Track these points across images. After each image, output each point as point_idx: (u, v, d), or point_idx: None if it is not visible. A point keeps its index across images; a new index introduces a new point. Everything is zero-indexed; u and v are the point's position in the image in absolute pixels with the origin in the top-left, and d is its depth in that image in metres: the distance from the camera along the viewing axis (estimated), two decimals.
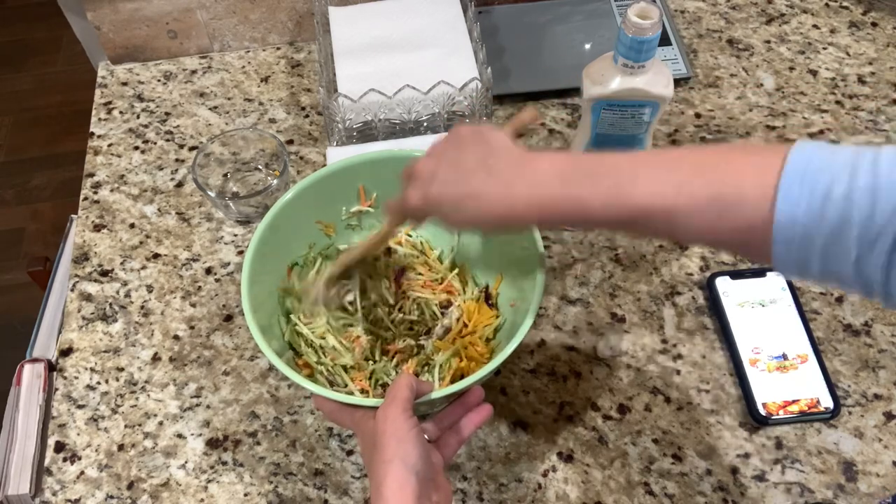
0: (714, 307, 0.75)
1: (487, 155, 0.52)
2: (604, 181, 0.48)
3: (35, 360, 0.78)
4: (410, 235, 0.74)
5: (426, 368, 0.67)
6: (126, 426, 0.72)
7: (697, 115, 0.90)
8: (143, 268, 0.82)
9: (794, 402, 0.69)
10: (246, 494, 0.67)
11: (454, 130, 0.56)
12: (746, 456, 0.67)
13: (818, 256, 0.42)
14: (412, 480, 0.49)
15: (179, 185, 0.88)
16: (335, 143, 0.88)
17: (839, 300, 0.76)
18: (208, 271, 0.81)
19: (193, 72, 0.99)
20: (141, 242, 0.84)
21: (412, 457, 0.50)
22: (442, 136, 0.57)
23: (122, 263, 0.82)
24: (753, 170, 0.44)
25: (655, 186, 0.47)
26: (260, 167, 0.87)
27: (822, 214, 0.41)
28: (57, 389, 0.74)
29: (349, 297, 0.68)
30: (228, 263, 0.82)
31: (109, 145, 0.92)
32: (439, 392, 0.56)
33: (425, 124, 0.87)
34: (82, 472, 0.69)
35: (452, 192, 0.53)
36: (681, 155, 0.49)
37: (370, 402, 0.56)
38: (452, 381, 0.62)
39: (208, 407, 0.72)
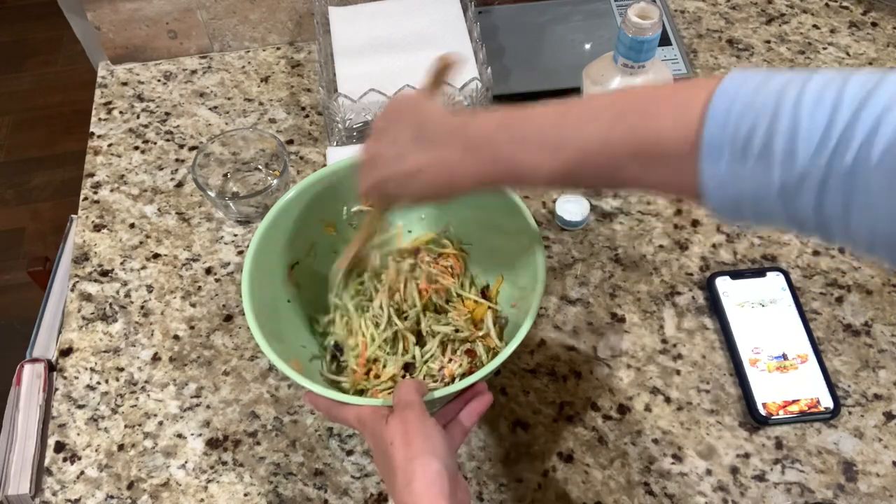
0: (714, 307, 0.75)
1: (420, 127, 0.53)
2: (532, 141, 0.48)
3: (35, 360, 0.78)
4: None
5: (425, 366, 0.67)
6: (126, 426, 0.72)
7: None
8: (143, 268, 0.82)
9: (794, 402, 0.69)
10: (246, 494, 0.67)
11: (388, 104, 0.57)
12: (746, 456, 0.67)
13: (748, 201, 0.41)
14: (444, 475, 0.48)
15: (179, 185, 0.88)
16: (335, 143, 0.88)
17: (839, 300, 0.76)
18: (208, 271, 0.81)
19: (193, 72, 0.99)
20: (141, 242, 0.84)
21: (441, 451, 0.49)
22: (379, 114, 0.57)
23: (122, 263, 0.82)
24: (675, 115, 0.43)
25: (578, 146, 0.46)
26: (260, 167, 0.87)
27: (745, 159, 0.40)
28: (57, 389, 0.74)
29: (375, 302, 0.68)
30: (228, 263, 0.82)
31: (109, 145, 0.92)
32: (441, 391, 0.56)
33: None
34: (82, 472, 0.69)
35: (395, 172, 0.53)
36: (609, 101, 0.48)
37: (367, 401, 0.56)
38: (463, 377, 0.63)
39: (208, 407, 0.72)
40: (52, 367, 0.78)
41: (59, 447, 0.71)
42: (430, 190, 0.53)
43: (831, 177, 0.38)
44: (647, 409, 0.70)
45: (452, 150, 0.51)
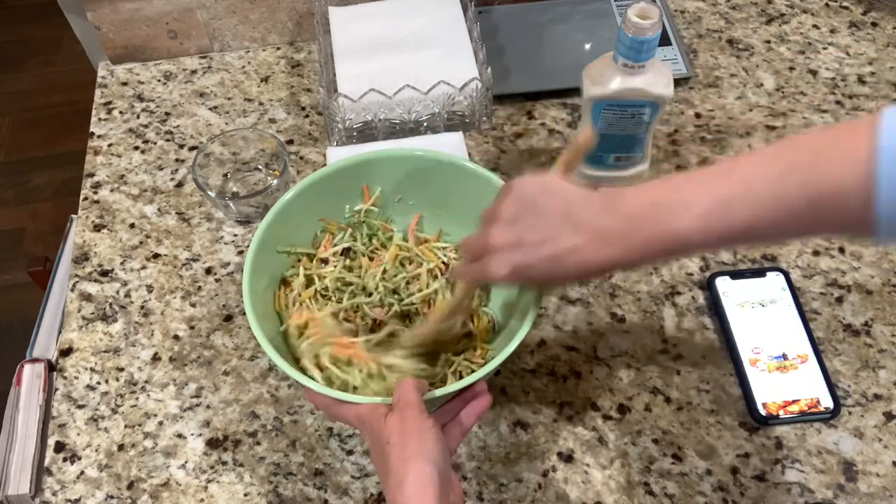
0: (714, 307, 0.75)
1: (567, 208, 0.51)
2: (696, 211, 0.47)
3: (35, 360, 0.78)
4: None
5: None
6: (126, 426, 0.72)
7: (697, 115, 0.90)
8: (143, 268, 0.82)
9: (794, 402, 0.69)
10: (246, 494, 0.67)
11: (514, 191, 0.54)
12: (746, 456, 0.67)
13: None
14: (435, 478, 0.48)
15: (179, 185, 0.88)
16: (335, 143, 0.88)
17: (839, 300, 0.76)
18: (208, 271, 0.81)
19: (193, 72, 0.99)
20: (141, 242, 0.84)
21: (435, 453, 0.49)
22: (501, 201, 0.54)
23: (122, 263, 0.82)
24: (844, 155, 0.42)
25: (752, 202, 0.45)
26: (260, 167, 0.87)
27: None
28: (57, 389, 0.74)
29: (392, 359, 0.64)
30: (228, 263, 0.82)
31: (109, 145, 0.92)
32: (442, 390, 0.56)
33: (425, 124, 0.87)
34: (82, 472, 0.69)
35: (543, 257, 0.51)
36: (772, 156, 0.47)
37: (366, 399, 0.56)
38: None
39: (208, 407, 0.72)
40: (52, 367, 0.78)
41: (59, 447, 0.71)
42: (588, 271, 0.51)
43: None
44: (647, 409, 0.70)
45: (611, 229, 0.50)
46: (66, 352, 0.76)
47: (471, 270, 0.58)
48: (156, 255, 0.83)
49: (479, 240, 0.56)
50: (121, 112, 0.96)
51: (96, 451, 0.70)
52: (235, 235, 0.84)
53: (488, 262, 0.54)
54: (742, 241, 0.48)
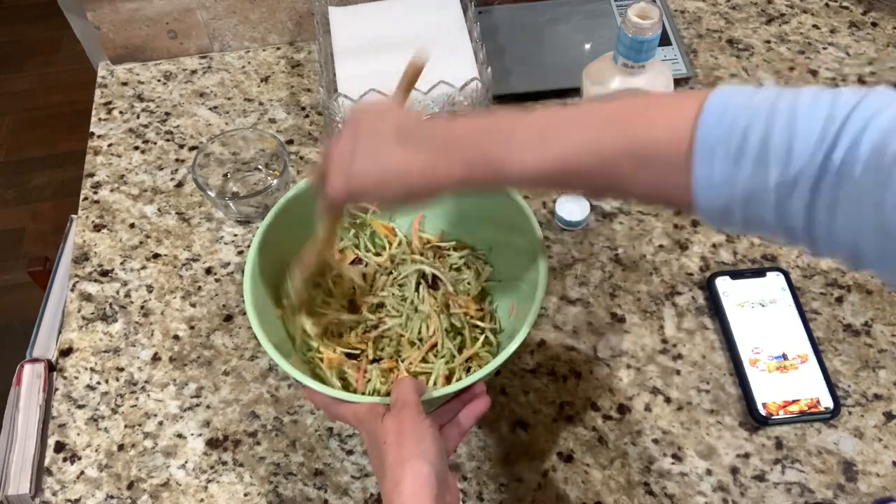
0: (714, 307, 0.75)
1: (400, 128, 0.53)
2: (519, 140, 0.49)
3: (35, 360, 0.78)
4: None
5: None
6: (126, 426, 0.72)
7: None
8: (143, 268, 0.82)
9: (794, 402, 0.69)
10: (246, 494, 0.67)
11: (355, 108, 0.56)
12: (746, 456, 0.67)
13: (739, 203, 0.42)
14: (432, 479, 0.48)
15: (179, 185, 0.88)
16: None
17: (839, 300, 0.76)
18: (208, 271, 0.81)
19: (193, 72, 0.99)
20: (141, 242, 0.84)
21: (431, 454, 0.50)
22: (343, 127, 0.56)
23: (122, 263, 0.82)
24: (668, 118, 0.43)
25: (567, 145, 0.47)
26: (260, 167, 0.87)
27: (739, 160, 0.40)
28: (57, 389, 0.74)
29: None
30: (228, 263, 0.82)
31: (109, 145, 0.92)
32: (440, 391, 0.56)
33: None
34: (82, 472, 0.69)
35: (375, 170, 0.52)
36: (599, 106, 0.49)
37: (365, 398, 0.56)
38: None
39: (208, 407, 0.72)
40: (52, 367, 0.78)
41: (59, 447, 0.71)
42: (412, 188, 0.52)
43: (825, 175, 0.38)
44: (647, 409, 0.70)
45: (438, 149, 0.51)
46: (66, 352, 0.76)
47: (321, 199, 0.58)
48: (156, 255, 0.83)
49: (323, 162, 0.57)
50: (121, 112, 0.96)
51: (96, 451, 0.70)
52: (235, 235, 0.84)
53: (328, 181, 0.55)
54: (561, 180, 0.49)
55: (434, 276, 0.70)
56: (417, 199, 0.54)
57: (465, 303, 0.69)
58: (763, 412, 0.68)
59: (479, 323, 0.69)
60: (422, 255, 0.72)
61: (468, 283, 0.71)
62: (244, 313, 0.77)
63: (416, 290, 0.70)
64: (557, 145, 0.47)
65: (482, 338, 0.68)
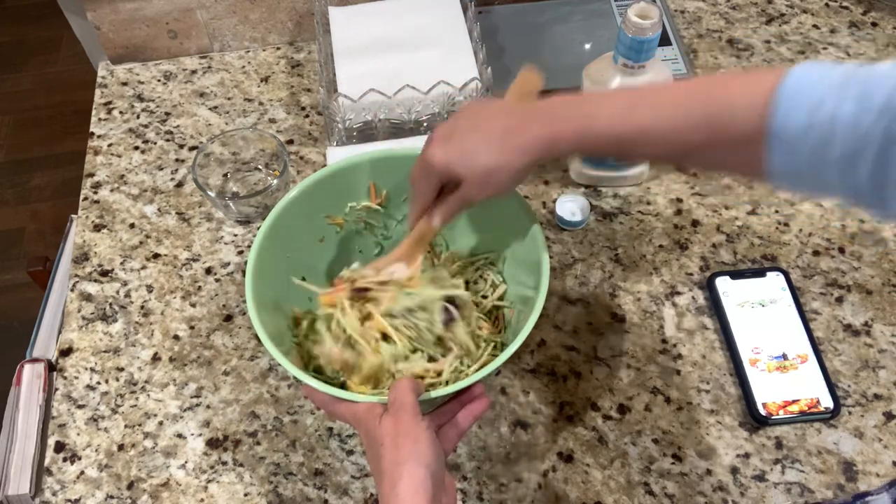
0: (714, 307, 0.75)
1: (495, 113, 0.58)
2: (607, 105, 0.54)
3: (35, 360, 0.78)
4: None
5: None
6: (126, 426, 0.72)
7: None
8: (143, 268, 0.82)
9: (794, 402, 0.69)
10: (246, 494, 0.67)
11: (462, 107, 0.61)
12: (746, 456, 0.67)
13: (807, 165, 0.44)
14: (428, 481, 0.49)
15: (179, 185, 0.88)
16: (335, 143, 0.88)
17: (839, 300, 0.76)
18: (208, 271, 0.81)
19: (193, 72, 0.99)
20: (141, 242, 0.84)
21: (428, 457, 0.50)
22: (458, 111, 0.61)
23: (122, 263, 0.82)
24: (748, 87, 0.47)
25: (651, 112, 0.51)
26: (260, 167, 0.87)
27: (811, 124, 0.43)
28: (57, 389, 0.74)
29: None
30: (228, 263, 0.82)
31: (109, 145, 0.92)
32: (438, 392, 0.56)
33: (425, 124, 0.87)
34: (82, 472, 0.69)
35: (469, 142, 0.56)
36: (675, 84, 0.55)
37: (364, 398, 0.56)
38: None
39: (208, 407, 0.72)
40: (52, 367, 0.78)
41: (59, 447, 0.71)
42: (506, 147, 0.55)
43: (893, 144, 0.41)
44: (647, 409, 0.70)
45: (532, 114, 0.56)
46: (66, 352, 0.76)
47: (416, 166, 0.61)
48: (156, 255, 0.83)
49: (426, 141, 0.60)
50: (121, 112, 0.96)
51: (96, 451, 0.70)
52: (235, 235, 0.84)
53: (428, 150, 0.58)
54: (642, 142, 0.53)
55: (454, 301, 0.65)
56: (508, 164, 0.56)
57: (486, 326, 0.68)
58: (763, 412, 0.68)
59: (495, 339, 0.68)
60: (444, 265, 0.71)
61: (483, 297, 0.70)
62: (244, 313, 0.77)
63: (446, 326, 0.64)
64: (643, 111, 0.52)
65: (489, 347, 0.67)
